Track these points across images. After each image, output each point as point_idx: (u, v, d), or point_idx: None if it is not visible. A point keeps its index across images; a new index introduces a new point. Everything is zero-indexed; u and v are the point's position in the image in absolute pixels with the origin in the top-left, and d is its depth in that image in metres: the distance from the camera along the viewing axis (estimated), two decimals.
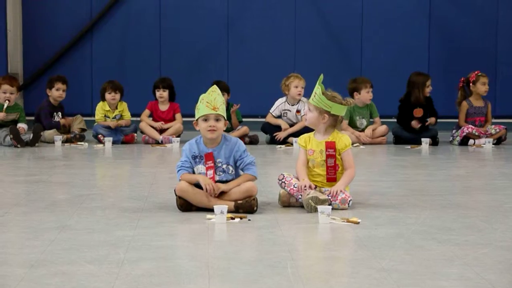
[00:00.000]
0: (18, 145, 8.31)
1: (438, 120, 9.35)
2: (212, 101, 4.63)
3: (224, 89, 8.77)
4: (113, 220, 4.38)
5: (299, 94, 9.02)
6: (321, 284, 3.16)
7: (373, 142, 9.01)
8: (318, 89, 4.85)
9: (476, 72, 9.09)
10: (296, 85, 8.99)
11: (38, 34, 10.86)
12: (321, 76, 4.89)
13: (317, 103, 4.84)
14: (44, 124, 8.87)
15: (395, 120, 9.25)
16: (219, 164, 4.67)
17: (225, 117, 4.69)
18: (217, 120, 4.63)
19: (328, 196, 4.69)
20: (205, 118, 4.63)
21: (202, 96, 4.67)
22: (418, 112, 9.13)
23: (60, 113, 9.11)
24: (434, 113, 9.17)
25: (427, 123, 9.00)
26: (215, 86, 4.72)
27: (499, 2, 10.84)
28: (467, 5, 10.87)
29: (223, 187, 4.60)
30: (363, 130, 9.13)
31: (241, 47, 10.89)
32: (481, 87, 9.02)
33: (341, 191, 4.73)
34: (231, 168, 4.68)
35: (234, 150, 4.68)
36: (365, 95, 9.14)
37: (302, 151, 4.94)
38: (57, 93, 9.02)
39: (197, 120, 4.68)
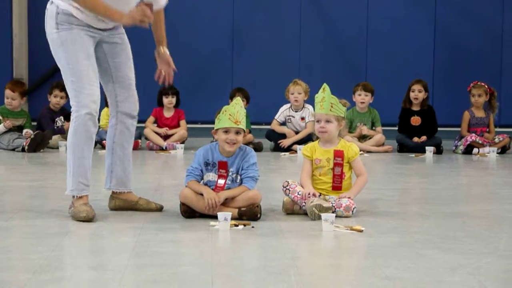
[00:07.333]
0: (26, 149, 8.34)
1: (443, 129, 9.35)
2: (235, 113, 4.62)
3: (244, 96, 8.93)
4: (117, 226, 4.39)
5: (296, 101, 9.05)
6: None
7: (378, 151, 9.01)
8: (333, 98, 4.84)
9: (473, 82, 9.13)
10: (292, 92, 9.04)
11: (43, 40, 10.81)
12: (326, 85, 4.89)
13: (337, 112, 4.84)
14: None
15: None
16: (230, 173, 4.67)
17: (245, 130, 4.71)
18: (237, 133, 4.63)
19: (333, 203, 4.70)
20: (226, 130, 4.64)
21: (225, 108, 4.66)
22: (415, 120, 9.15)
23: (62, 117, 9.14)
24: (434, 125, 9.16)
25: (420, 140, 8.98)
26: (238, 98, 4.72)
27: (505, 13, 10.84)
28: (473, 15, 10.88)
29: (222, 198, 4.57)
30: (363, 137, 9.14)
31: (246, 54, 10.90)
32: (472, 98, 9.08)
33: (349, 197, 4.73)
34: (239, 178, 4.68)
35: (244, 160, 4.68)
36: (356, 98, 9.19)
37: (307, 161, 4.92)
38: (55, 100, 9.07)
39: (216, 129, 4.68)
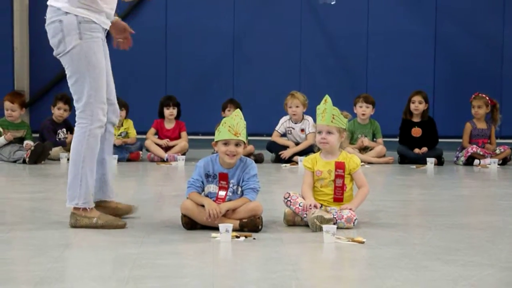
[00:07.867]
0: (27, 160, 8.32)
1: (444, 140, 9.36)
2: (234, 125, 4.63)
3: (236, 107, 8.90)
4: (118, 238, 4.38)
5: (294, 114, 9.07)
6: None
7: (379, 162, 9.01)
8: (335, 110, 4.85)
9: (475, 94, 9.16)
10: (290, 105, 9.06)
11: (45, 52, 10.80)
12: (328, 97, 4.90)
13: (338, 124, 4.85)
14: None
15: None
16: (231, 185, 4.67)
17: (245, 142, 4.71)
18: (237, 145, 4.64)
19: (334, 214, 4.69)
20: (226, 142, 4.64)
21: (224, 120, 4.67)
22: (416, 132, 9.16)
23: (64, 129, 9.13)
24: (435, 136, 9.17)
25: (421, 151, 8.98)
26: (238, 110, 4.72)
27: (505, 25, 10.86)
28: (473, 28, 10.88)
29: (223, 210, 4.57)
30: (364, 149, 9.15)
31: (246, 65, 10.91)
32: (472, 109, 9.11)
33: (350, 209, 4.73)
34: (240, 189, 4.68)
35: (245, 172, 4.68)
36: (357, 109, 9.21)
37: (308, 173, 4.92)
38: (58, 112, 9.07)
39: (216, 141, 4.69)
